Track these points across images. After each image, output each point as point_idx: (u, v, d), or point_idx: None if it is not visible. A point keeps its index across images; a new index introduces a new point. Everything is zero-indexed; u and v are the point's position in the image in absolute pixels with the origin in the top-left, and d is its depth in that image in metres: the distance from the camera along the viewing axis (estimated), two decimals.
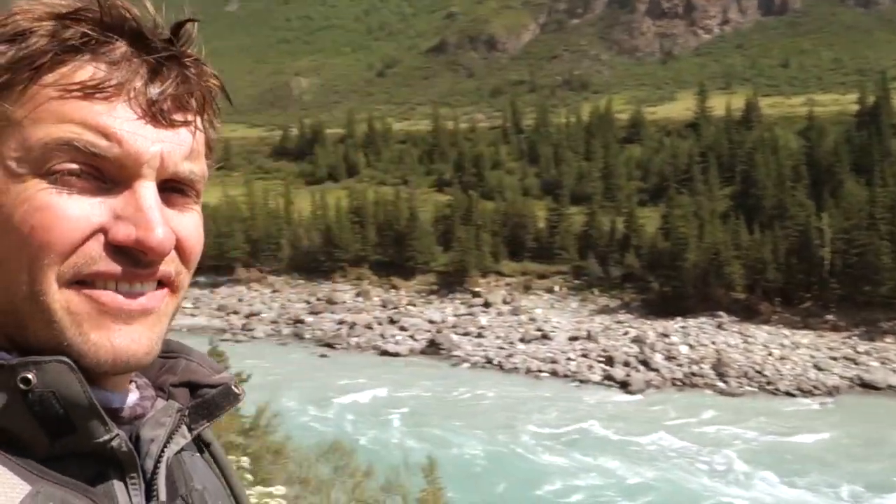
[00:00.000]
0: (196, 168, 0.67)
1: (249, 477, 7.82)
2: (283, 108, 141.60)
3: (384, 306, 55.03)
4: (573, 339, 44.96)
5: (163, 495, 0.70)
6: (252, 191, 71.18)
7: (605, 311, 50.82)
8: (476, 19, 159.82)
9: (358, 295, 58.03)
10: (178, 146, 0.65)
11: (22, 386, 0.58)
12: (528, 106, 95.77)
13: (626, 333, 45.09)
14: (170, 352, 0.78)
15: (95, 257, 0.62)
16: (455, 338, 46.73)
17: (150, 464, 0.70)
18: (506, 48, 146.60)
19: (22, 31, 0.62)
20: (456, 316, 52.09)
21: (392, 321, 51.24)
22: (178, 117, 0.65)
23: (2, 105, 0.61)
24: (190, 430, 0.75)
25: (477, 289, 56.07)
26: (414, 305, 55.11)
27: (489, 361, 42.91)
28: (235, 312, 55.89)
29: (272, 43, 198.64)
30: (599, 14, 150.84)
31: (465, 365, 42.81)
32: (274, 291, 60.72)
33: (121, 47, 0.63)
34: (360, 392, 37.19)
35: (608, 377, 38.23)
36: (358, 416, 33.91)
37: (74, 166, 0.60)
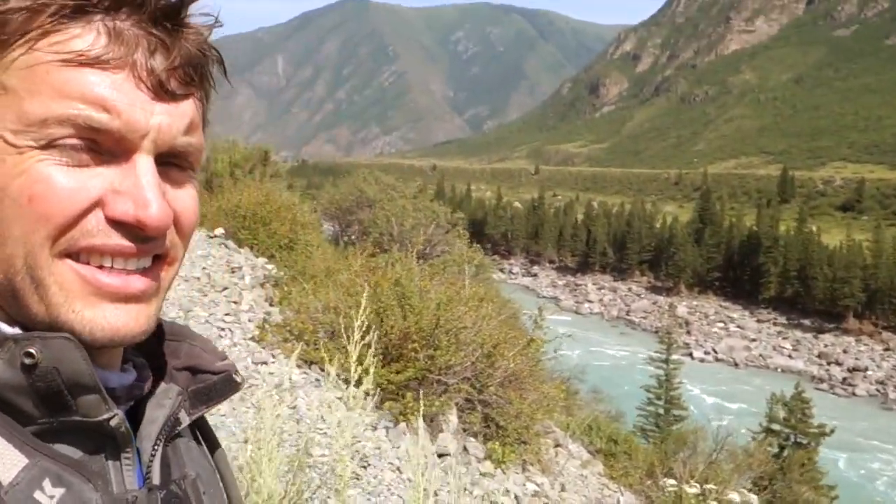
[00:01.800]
0: (194, 140, 0.66)
1: None
2: None
3: None
4: None
5: (156, 478, 0.69)
6: (881, 237, 65.56)
7: None
8: None
9: None
10: (177, 119, 0.64)
11: (26, 360, 0.57)
12: None
13: None
14: (174, 335, 0.77)
15: (93, 231, 0.60)
16: None
17: (146, 445, 0.69)
18: None
19: None
20: None
21: None
22: (178, 90, 0.64)
23: None
24: (188, 414, 0.75)
25: None
26: None
27: None
28: (837, 363, 52.67)
29: None
30: None
31: None
32: (886, 349, 55.17)
33: (121, 16, 0.61)
34: None
35: None
36: None
37: (74, 140, 0.59)
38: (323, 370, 3.26)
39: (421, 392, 5.89)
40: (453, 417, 6.09)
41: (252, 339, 6.28)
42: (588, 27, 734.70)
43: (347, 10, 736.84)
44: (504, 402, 6.37)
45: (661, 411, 30.75)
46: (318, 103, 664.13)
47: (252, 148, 14.80)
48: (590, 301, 79.36)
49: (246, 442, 4.15)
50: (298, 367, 5.86)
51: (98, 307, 0.61)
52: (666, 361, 33.16)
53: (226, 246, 9.43)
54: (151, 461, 0.69)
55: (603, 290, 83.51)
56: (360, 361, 3.02)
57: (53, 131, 0.59)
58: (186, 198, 0.66)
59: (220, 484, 0.80)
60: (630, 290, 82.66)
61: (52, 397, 0.59)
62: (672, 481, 8.09)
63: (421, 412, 3.26)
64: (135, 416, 0.70)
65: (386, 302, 6.02)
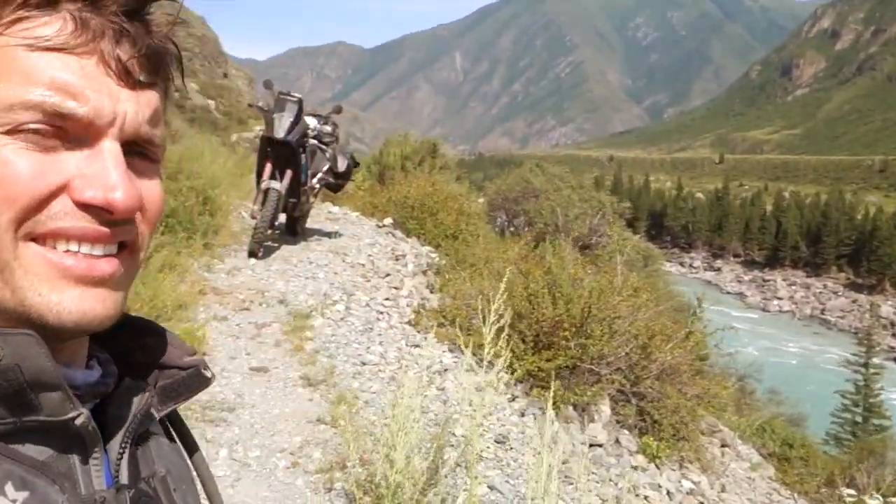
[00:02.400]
0: (158, 132, 0.66)
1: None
2: None
3: None
4: None
5: (124, 478, 0.67)
6: None
7: None
8: None
9: None
10: (143, 107, 0.64)
11: None
12: None
13: None
14: (140, 330, 0.76)
15: (60, 214, 0.59)
16: None
17: (114, 444, 0.67)
18: None
19: None
20: None
21: None
22: (143, 79, 0.64)
23: None
24: (157, 411, 0.74)
25: None
26: None
27: None
28: None
29: None
30: None
31: None
32: None
33: (87, 7, 0.61)
34: None
35: None
36: None
37: (40, 126, 0.59)
38: (474, 354, 3.35)
39: (571, 381, 5.84)
40: (606, 408, 5.98)
41: (408, 323, 6.49)
42: (779, 4, 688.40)
43: (523, 2, 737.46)
44: (661, 396, 6.17)
45: (859, 419, 28.48)
46: (495, 97, 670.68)
47: (422, 141, 15.23)
48: (779, 298, 74.76)
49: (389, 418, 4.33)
50: (451, 350, 6.00)
51: (64, 291, 0.60)
52: (865, 365, 30.65)
53: (393, 235, 9.77)
54: (120, 460, 0.68)
55: (794, 287, 78.35)
56: (494, 344, 3.06)
57: (20, 116, 0.58)
58: (152, 187, 0.66)
59: (194, 480, 0.79)
60: (825, 286, 76.93)
61: (14, 396, 0.58)
62: (851, 492, 7.48)
63: (551, 396, 3.25)
64: (102, 414, 0.68)
65: (536, 289, 6.01)
